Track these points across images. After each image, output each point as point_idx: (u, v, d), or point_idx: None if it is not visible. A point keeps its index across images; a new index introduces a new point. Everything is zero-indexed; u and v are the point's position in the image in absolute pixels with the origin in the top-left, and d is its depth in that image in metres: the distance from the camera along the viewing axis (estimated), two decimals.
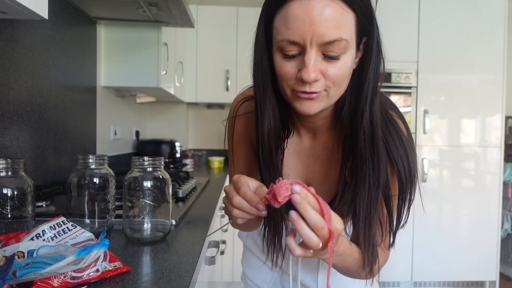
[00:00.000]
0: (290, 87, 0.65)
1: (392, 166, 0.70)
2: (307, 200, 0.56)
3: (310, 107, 0.65)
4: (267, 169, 0.74)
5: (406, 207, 0.73)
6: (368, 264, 0.72)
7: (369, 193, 0.69)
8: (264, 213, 0.61)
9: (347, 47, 0.61)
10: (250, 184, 0.62)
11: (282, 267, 0.94)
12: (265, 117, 0.71)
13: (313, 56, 0.60)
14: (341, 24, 0.60)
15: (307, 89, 0.63)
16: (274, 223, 0.80)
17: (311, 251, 0.59)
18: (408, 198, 0.72)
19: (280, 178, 0.58)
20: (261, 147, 0.73)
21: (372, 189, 0.69)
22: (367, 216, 0.70)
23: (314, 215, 0.55)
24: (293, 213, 0.56)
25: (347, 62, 0.63)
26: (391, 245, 0.78)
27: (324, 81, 0.63)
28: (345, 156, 0.72)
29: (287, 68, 0.64)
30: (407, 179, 0.70)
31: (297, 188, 0.56)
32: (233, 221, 0.66)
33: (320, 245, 0.57)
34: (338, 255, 0.67)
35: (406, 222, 0.74)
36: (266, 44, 0.68)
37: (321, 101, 0.65)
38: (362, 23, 0.63)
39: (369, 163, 0.68)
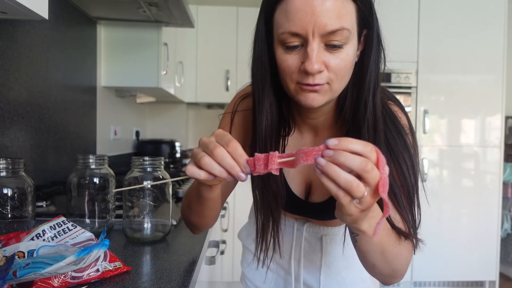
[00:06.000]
0: (293, 81, 0.65)
1: (394, 162, 0.69)
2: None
3: (314, 100, 0.65)
4: None
5: (416, 204, 0.70)
6: (402, 232, 0.66)
7: None
8: (245, 177, 0.54)
9: (349, 37, 0.62)
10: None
11: (284, 266, 0.94)
12: (263, 112, 0.71)
13: (316, 47, 0.60)
14: (342, 14, 0.60)
15: (311, 81, 0.62)
16: (272, 218, 0.78)
17: (357, 200, 0.49)
18: (415, 194, 0.70)
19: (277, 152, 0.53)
20: (257, 143, 0.72)
21: None
22: None
23: (356, 156, 0.47)
24: (321, 159, 0.48)
25: (349, 53, 0.63)
26: (414, 245, 0.71)
27: (327, 73, 0.63)
28: None
29: (289, 61, 0.63)
30: (410, 174, 0.69)
31: (330, 150, 0.48)
32: (193, 177, 0.56)
33: (364, 190, 0.48)
34: (374, 215, 0.55)
35: (420, 220, 0.71)
36: (266, 39, 0.67)
37: (324, 94, 0.65)
38: (363, 13, 0.64)
39: None
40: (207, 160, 0.54)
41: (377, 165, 0.48)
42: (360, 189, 0.48)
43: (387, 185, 0.49)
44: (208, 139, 0.56)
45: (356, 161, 0.47)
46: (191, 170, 0.55)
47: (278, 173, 0.54)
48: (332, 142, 0.48)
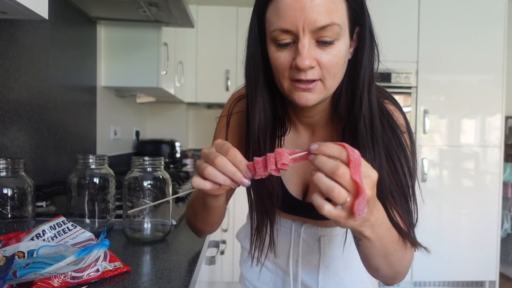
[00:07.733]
0: (286, 78, 0.65)
1: (388, 160, 0.69)
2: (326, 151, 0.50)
3: (308, 99, 0.65)
4: None
5: (412, 201, 0.70)
6: (407, 237, 0.65)
7: None
8: (248, 182, 0.55)
9: (340, 33, 0.62)
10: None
11: (282, 267, 0.94)
12: (256, 110, 0.71)
13: (306, 43, 0.61)
14: (332, 9, 0.60)
15: (303, 77, 0.62)
16: (267, 216, 0.77)
17: (339, 206, 0.50)
18: (409, 192, 0.70)
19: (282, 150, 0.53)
20: (251, 142, 0.72)
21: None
22: None
23: (328, 161, 0.48)
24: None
25: (341, 49, 0.63)
26: (416, 244, 0.70)
27: (319, 69, 0.63)
28: None
29: (281, 58, 0.64)
30: (404, 172, 0.69)
31: (314, 145, 0.50)
32: (200, 188, 0.56)
33: (346, 196, 0.48)
34: (378, 224, 0.56)
35: (417, 219, 0.71)
36: (259, 38, 0.68)
37: (318, 92, 0.65)
38: (354, 10, 0.64)
39: (371, 152, 0.67)
40: (210, 170, 0.55)
41: (348, 164, 0.48)
42: (341, 195, 0.48)
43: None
44: (209, 150, 0.57)
45: (328, 165, 0.48)
46: (197, 182, 0.56)
47: (279, 174, 0.54)
48: (314, 147, 0.50)
